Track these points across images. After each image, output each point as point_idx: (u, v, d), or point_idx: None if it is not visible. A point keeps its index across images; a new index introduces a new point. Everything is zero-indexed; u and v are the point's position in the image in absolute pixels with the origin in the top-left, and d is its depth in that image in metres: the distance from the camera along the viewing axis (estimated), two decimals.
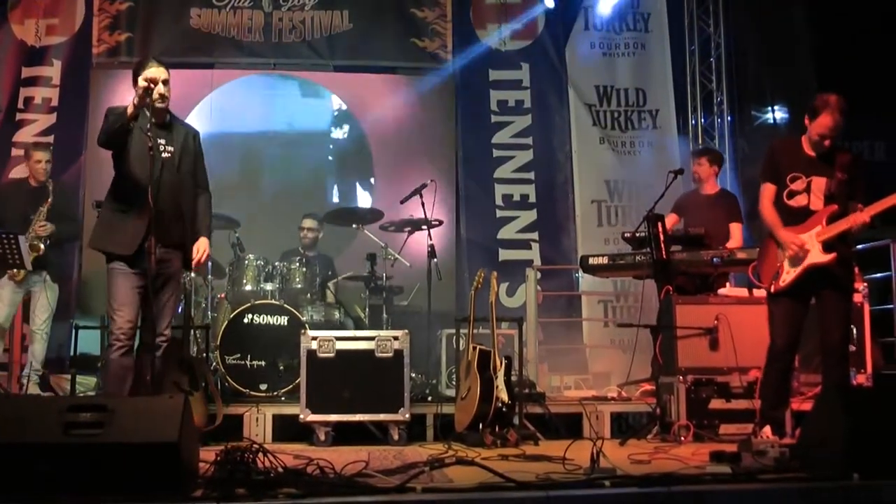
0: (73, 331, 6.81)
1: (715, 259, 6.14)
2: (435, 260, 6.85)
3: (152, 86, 4.71)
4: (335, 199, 8.91)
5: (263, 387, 6.36)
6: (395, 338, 5.68)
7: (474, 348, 5.69)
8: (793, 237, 4.83)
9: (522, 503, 3.44)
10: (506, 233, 8.91)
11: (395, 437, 5.57)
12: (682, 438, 5.45)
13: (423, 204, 6.93)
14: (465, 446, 5.23)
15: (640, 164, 8.98)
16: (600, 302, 8.86)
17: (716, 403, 5.67)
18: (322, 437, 5.52)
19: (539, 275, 7.89)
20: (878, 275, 7.02)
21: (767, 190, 5.01)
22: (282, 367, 6.41)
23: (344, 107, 9.05)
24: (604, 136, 9.12)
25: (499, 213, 8.95)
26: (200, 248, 5.04)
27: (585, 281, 8.52)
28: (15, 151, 8.22)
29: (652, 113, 9.19)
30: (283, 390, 6.36)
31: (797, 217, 4.89)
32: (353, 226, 7.67)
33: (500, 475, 3.65)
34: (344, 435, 5.59)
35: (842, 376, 4.85)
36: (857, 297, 6.00)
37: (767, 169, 5.04)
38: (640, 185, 8.67)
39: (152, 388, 4.69)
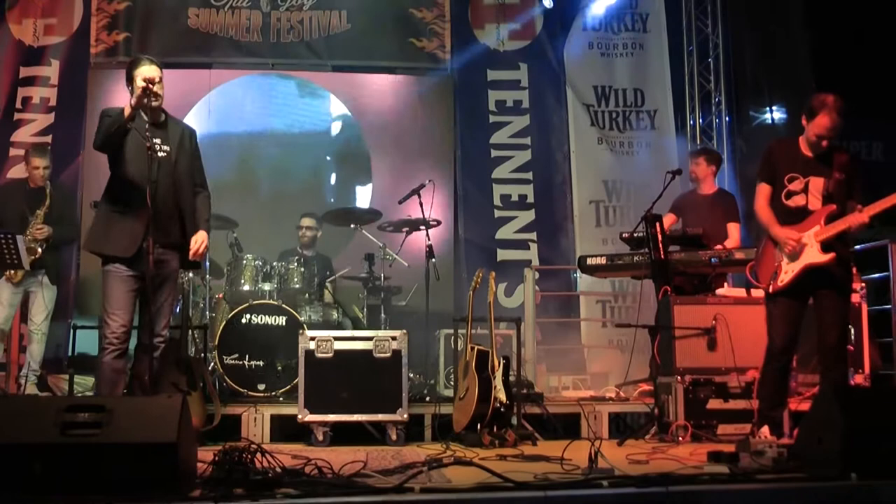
0: (72, 331, 6.80)
1: (713, 259, 6.15)
2: (433, 260, 6.85)
3: (151, 86, 4.71)
4: (333, 199, 8.91)
5: (261, 387, 6.36)
6: (394, 338, 5.68)
7: (472, 348, 5.69)
8: (788, 232, 4.84)
9: (520, 503, 3.44)
10: (504, 233, 8.92)
11: (394, 437, 5.57)
12: (680, 438, 5.46)
13: (421, 204, 6.93)
14: (464, 446, 5.24)
15: (638, 164, 8.98)
16: (598, 302, 8.86)
17: (714, 403, 5.67)
18: (320, 438, 5.52)
19: (537, 275, 7.90)
20: (877, 275, 7.02)
21: (763, 190, 5.02)
22: (280, 368, 6.41)
23: (342, 107, 9.04)
24: (602, 137, 9.13)
25: (497, 214, 8.96)
26: (199, 239, 4.98)
27: (583, 281, 8.53)
28: (13, 151, 8.23)
29: (650, 113, 9.20)
30: (281, 390, 6.36)
31: (795, 217, 4.89)
32: (352, 226, 7.66)
33: (499, 475, 3.65)
34: (342, 435, 5.58)
35: (840, 376, 4.85)
36: (855, 298, 6.01)
37: (764, 169, 5.04)
38: (638, 186, 8.67)
39: (150, 389, 4.69)
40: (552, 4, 9.15)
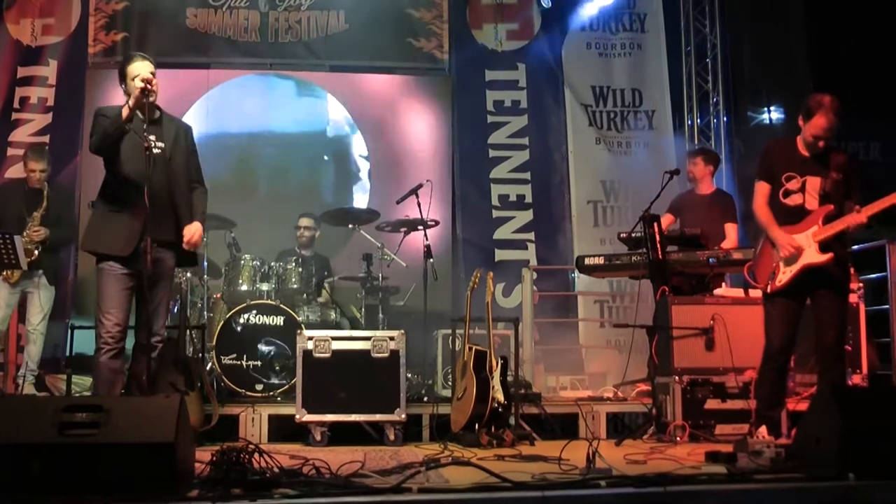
0: (69, 331, 6.80)
1: (711, 259, 6.15)
2: (431, 260, 6.85)
3: (149, 86, 4.69)
4: (331, 200, 8.90)
5: (259, 387, 6.36)
6: (392, 338, 5.68)
7: (470, 349, 5.69)
8: (787, 238, 4.84)
9: (518, 503, 3.44)
10: (502, 233, 8.92)
11: (391, 437, 5.57)
12: (678, 439, 5.46)
13: (419, 204, 6.92)
14: (461, 447, 5.23)
15: (636, 164, 8.98)
16: (596, 302, 8.85)
17: (712, 404, 5.68)
18: (318, 438, 5.51)
19: (535, 275, 7.89)
20: (874, 275, 7.02)
21: (761, 189, 5.02)
22: (278, 368, 6.42)
23: (340, 107, 9.04)
24: (600, 137, 9.13)
25: (495, 214, 8.96)
26: (192, 229, 4.90)
27: (581, 281, 8.53)
28: (11, 151, 8.21)
29: (648, 113, 9.20)
30: (278, 390, 6.36)
31: (793, 216, 4.90)
32: (350, 226, 7.66)
33: (497, 475, 3.65)
34: (340, 435, 5.58)
35: (837, 377, 4.85)
36: (853, 298, 6.00)
37: (762, 168, 5.05)
38: (636, 186, 8.65)
39: (148, 389, 4.68)
40: (550, 4, 9.15)
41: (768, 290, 4.94)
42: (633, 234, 6.40)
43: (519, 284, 8.09)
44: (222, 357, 6.37)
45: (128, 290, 4.77)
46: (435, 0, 9.14)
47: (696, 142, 9.24)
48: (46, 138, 8.27)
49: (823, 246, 4.78)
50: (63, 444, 3.31)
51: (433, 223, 7.20)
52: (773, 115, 9.83)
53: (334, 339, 5.68)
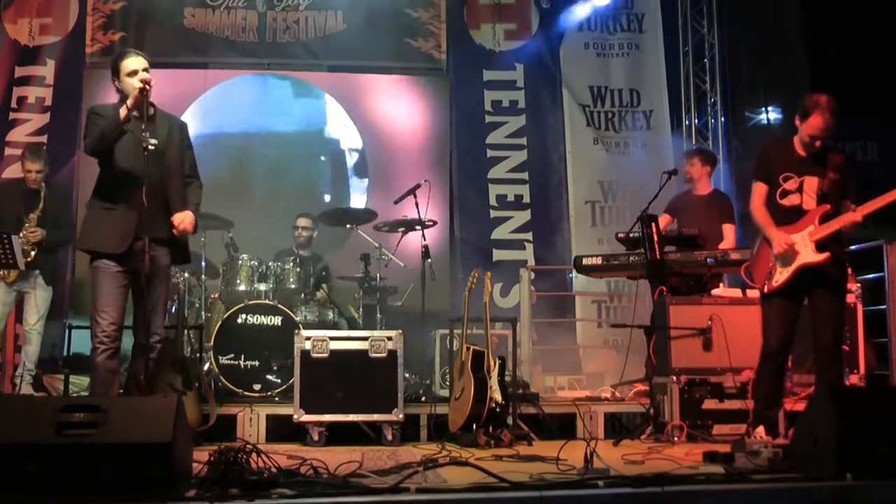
0: (67, 331, 6.80)
1: (708, 259, 6.16)
2: (429, 260, 6.85)
3: (148, 87, 4.68)
4: (329, 200, 8.90)
5: (257, 387, 6.36)
6: (389, 338, 5.68)
7: (468, 349, 5.69)
8: (783, 236, 4.84)
9: (516, 503, 3.45)
10: (500, 233, 8.92)
11: (389, 437, 5.57)
12: (676, 439, 5.46)
13: (416, 204, 6.92)
14: (459, 447, 5.23)
15: (633, 164, 8.98)
16: (594, 302, 8.86)
17: (709, 404, 5.68)
18: (316, 438, 5.51)
19: (533, 275, 7.90)
20: (871, 276, 7.02)
21: (759, 189, 5.02)
22: (275, 368, 6.41)
23: (338, 107, 9.04)
24: (598, 137, 9.13)
25: (493, 214, 8.96)
26: (184, 217, 4.81)
27: (579, 281, 8.52)
28: (8, 151, 8.21)
29: (646, 113, 9.21)
30: (276, 390, 6.36)
31: (790, 216, 4.90)
32: (347, 226, 7.67)
33: (494, 475, 3.65)
34: (337, 435, 5.58)
35: (835, 377, 4.86)
36: (850, 298, 6.00)
37: (759, 168, 5.05)
38: (633, 186, 8.64)
39: (146, 389, 4.67)
40: (548, 5, 9.16)
41: (765, 290, 4.95)
42: (631, 235, 6.41)
43: (517, 284, 8.09)
44: (220, 357, 6.37)
45: (123, 288, 4.74)
46: (433, 0, 9.14)
47: (693, 142, 9.25)
48: (44, 138, 8.27)
49: (820, 245, 4.79)
50: (61, 445, 3.30)
51: (431, 223, 7.20)
52: (771, 115, 9.84)
53: (332, 339, 5.67)
